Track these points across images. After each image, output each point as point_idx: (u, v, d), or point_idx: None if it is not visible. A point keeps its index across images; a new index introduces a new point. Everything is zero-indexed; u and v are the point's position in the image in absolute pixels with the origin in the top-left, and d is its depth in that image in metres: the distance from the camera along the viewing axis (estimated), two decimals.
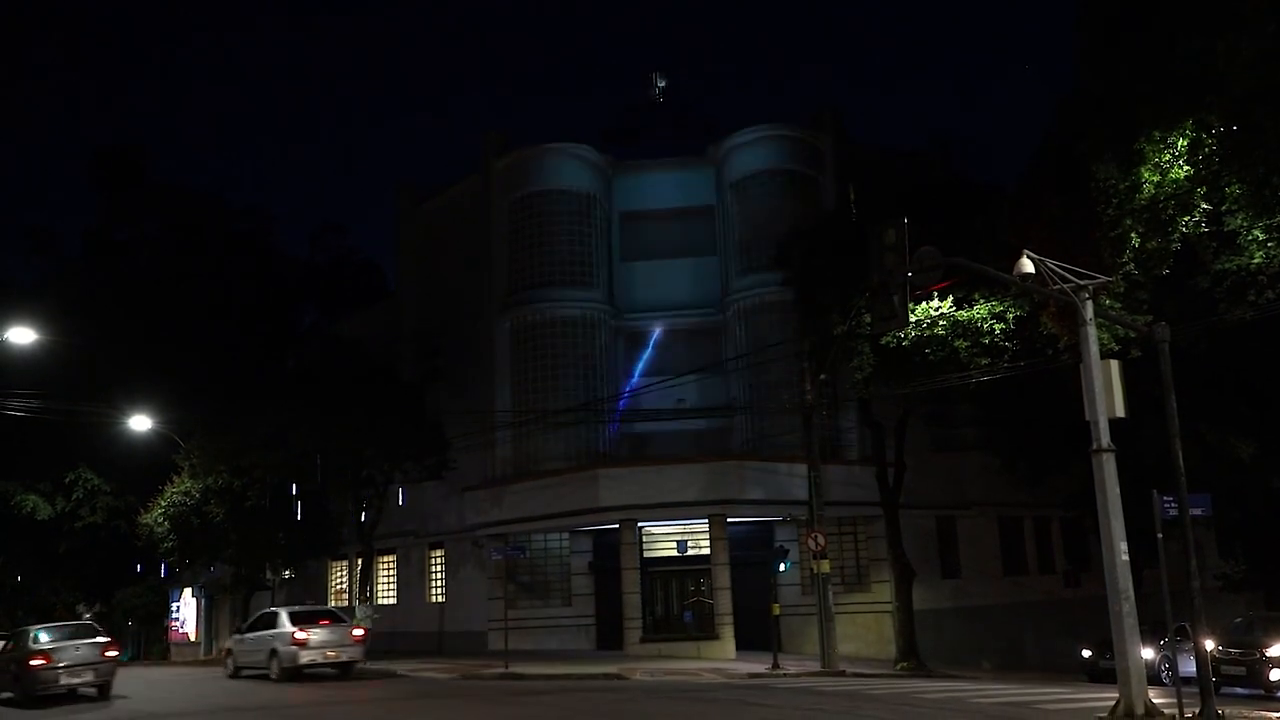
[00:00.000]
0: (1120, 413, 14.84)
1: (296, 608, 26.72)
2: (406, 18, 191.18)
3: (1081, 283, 14.94)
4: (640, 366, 35.11)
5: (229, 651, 26.88)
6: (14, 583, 52.46)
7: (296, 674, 23.43)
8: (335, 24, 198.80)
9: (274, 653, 23.81)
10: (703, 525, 30.87)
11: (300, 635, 23.49)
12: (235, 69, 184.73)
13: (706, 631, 30.33)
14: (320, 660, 23.61)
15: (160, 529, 36.44)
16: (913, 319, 18.88)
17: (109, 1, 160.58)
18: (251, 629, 25.96)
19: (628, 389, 34.60)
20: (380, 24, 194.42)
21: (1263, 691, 20.15)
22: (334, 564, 42.44)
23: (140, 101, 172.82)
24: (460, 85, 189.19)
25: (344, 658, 23.95)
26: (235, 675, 25.89)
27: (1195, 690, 14.64)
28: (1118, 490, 14.60)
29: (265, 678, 24.14)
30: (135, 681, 25.36)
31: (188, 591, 49.81)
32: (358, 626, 25.10)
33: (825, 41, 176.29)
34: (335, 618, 25.12)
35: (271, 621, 24.76)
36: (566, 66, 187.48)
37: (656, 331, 35.52)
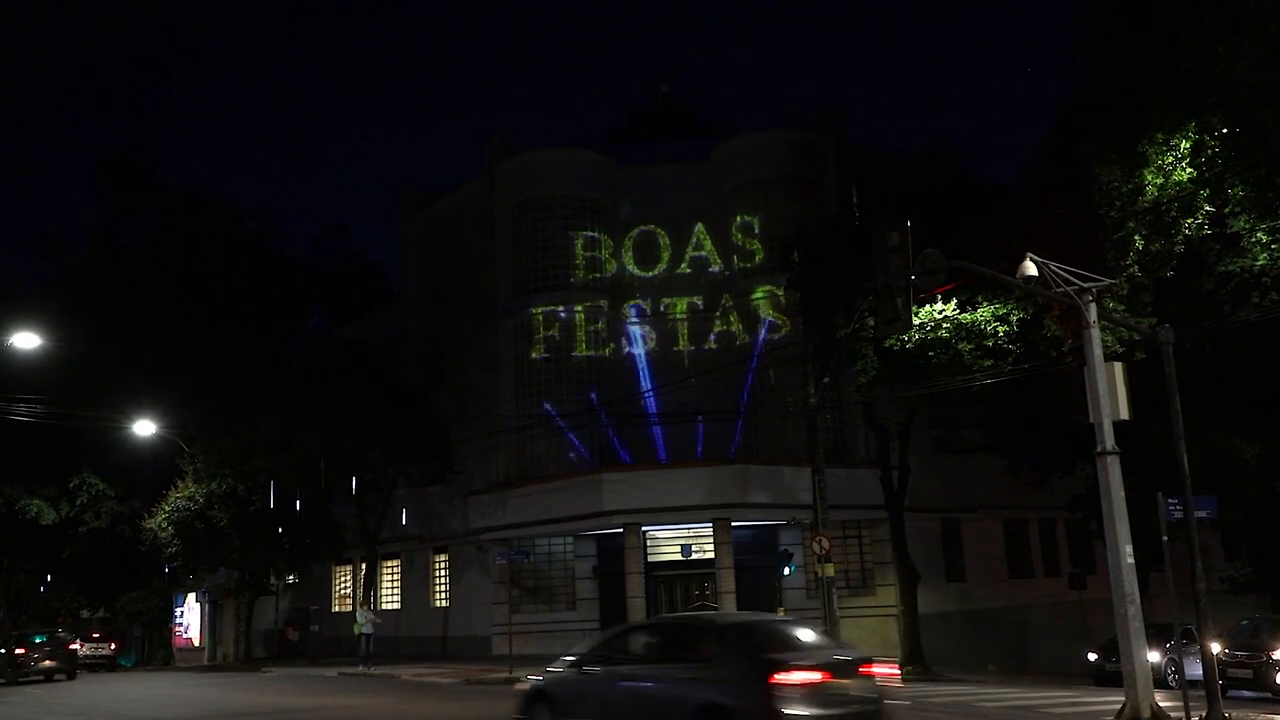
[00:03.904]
0: (1124, 415, 14.79)
1: None
2: (411, 22, 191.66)
3: (1085, 285, 14.89)
4: (644, 370, 35.07)
5: None
6: (18, 587, 52.47)
7: None
8: (340, 28, 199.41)
9: None
10: (707, 529, 30.83)
11: None
12: (240, 73, 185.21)
13: None
14: None
15: (164, 534, 36.45)
16: (916, 322, 18.83)
17: (114, 6, 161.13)
18: None
19: (631, 393, 34.56)
20: (385, 28, 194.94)
21: (1269, 694, 20.09)
22: (338, 568, 42.46)
23: (145, 105, 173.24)
24: (464, 89, 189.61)
25: None
26: None
27: (1201, 693, 14.57)
28: (1122, 493, 14.55)
29: None
30: None
31: (192, 596, 49.82)
32: None
33: (828, 44, 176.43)
34: None
35: None
36: (571, 70, 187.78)
37: (659, 335, 35.50)
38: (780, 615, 26.77)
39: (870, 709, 9.67)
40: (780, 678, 9.15)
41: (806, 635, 10.93)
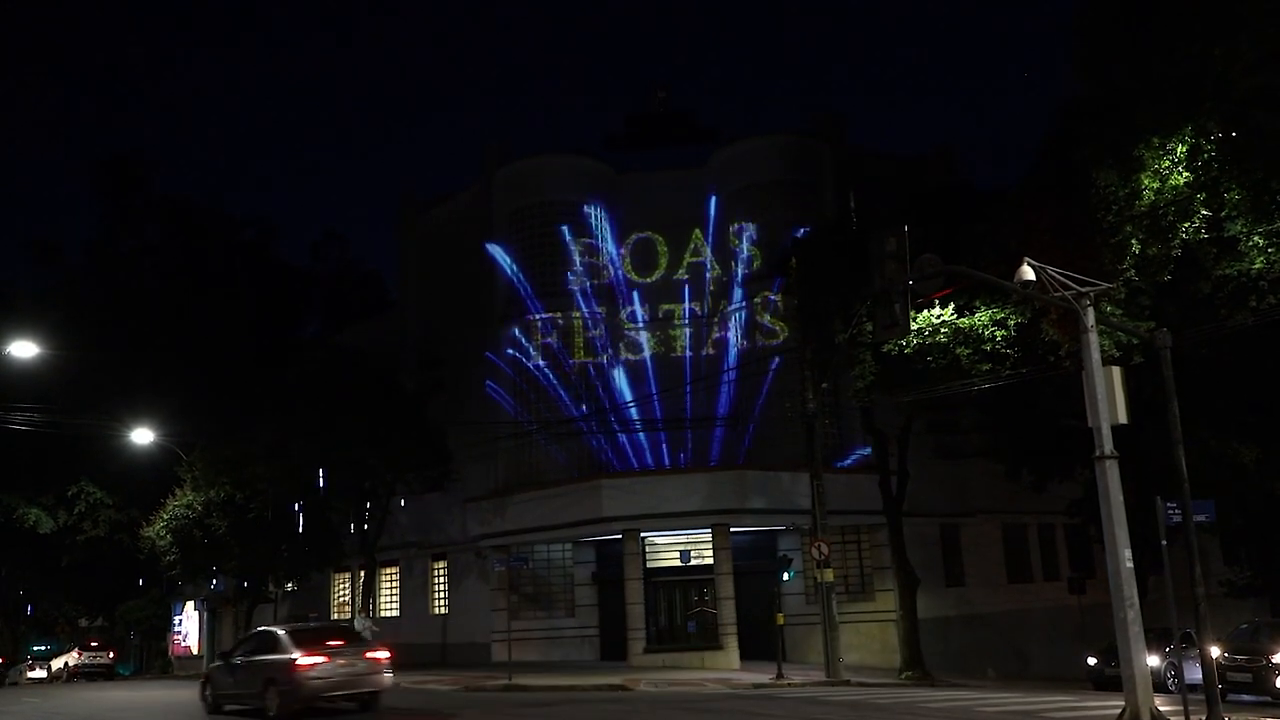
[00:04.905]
0: (1123, 419, 14.78)
1: None
2: (410, 29, 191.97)
3: (1083, 289, 14.88)
4: (645, 375, 35.07)
5: None
6: (16, 596, 52.38)
7: None
8: (339, 36, 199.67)
9: None
10: (706, 535, 30.81)
11: None
12: (239, 80, 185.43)
13: (710, 642, 30.24)
14: None
15: (162, 542, 36.36)
16: (914, 326, 18.83)
17: (114, 14, 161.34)
18: None
19: (629, 399, 34.57)
20: (384, 36, 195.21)
21: (1269, 698, 20.07)
22: (337, 576, 42.41)
23: (144, 112, 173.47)
24: (462, 96, 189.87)
25: None
26: None
27: (1201, 697, 14.56)
28: (1121, 497, 14.54)
29: None
30: None
31: (190, 604, 49.75)
32: None
33: (826, 49, 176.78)
34: None
35: None
36: (568, 77, 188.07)
37: (657, 341, 35.50)
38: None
39: (361, 675, 16.90)
40: (301, 661, 16.43)
41: (341, 634, 18.22)
